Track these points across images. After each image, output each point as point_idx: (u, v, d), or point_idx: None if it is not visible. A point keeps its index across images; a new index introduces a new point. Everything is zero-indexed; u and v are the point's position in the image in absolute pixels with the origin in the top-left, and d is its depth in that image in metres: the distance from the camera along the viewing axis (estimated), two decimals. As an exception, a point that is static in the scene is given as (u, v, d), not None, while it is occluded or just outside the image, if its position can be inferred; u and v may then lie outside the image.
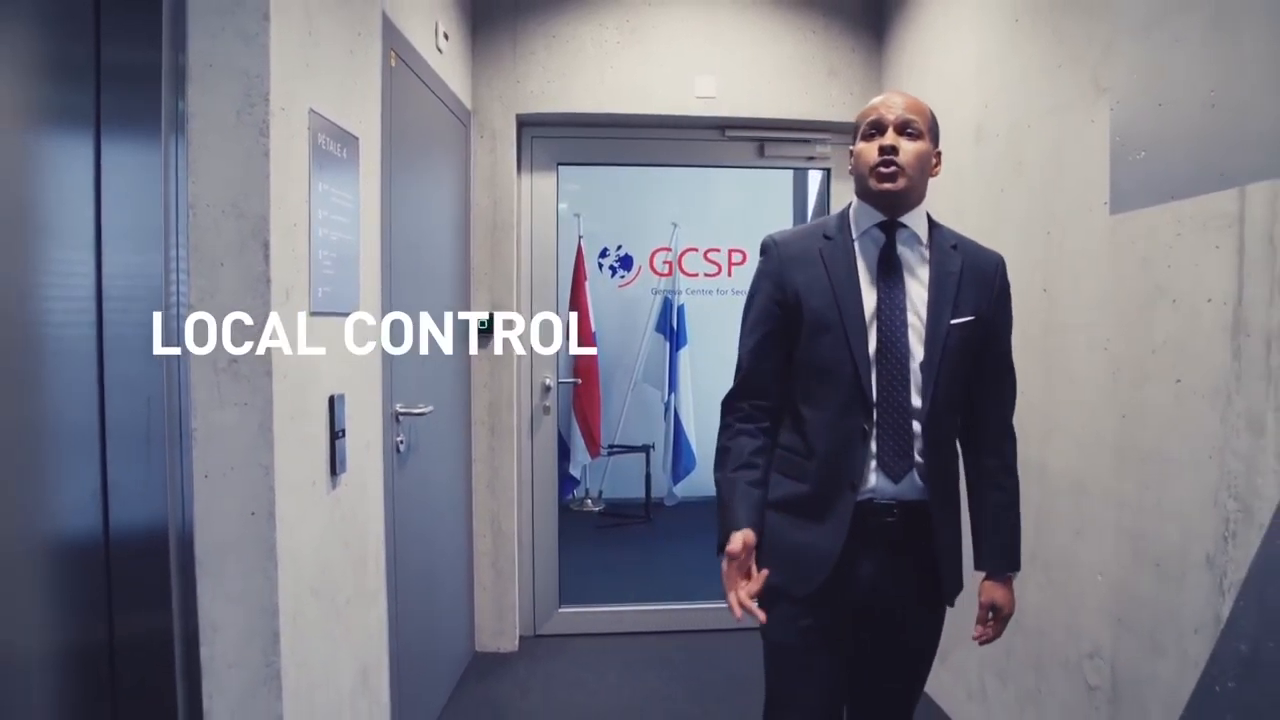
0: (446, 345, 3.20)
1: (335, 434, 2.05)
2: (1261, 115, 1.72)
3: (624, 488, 6.15)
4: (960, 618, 2.05)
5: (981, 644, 1.89)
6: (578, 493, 6.07)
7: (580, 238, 5.79)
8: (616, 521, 5.92)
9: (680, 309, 6.00)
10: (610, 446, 6.05)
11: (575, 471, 5.82)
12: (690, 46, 3.65)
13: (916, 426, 1.72)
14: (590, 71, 3.61)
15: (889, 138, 1.71)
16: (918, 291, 1.75)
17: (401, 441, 2.60)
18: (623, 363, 6.21)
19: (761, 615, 1.67)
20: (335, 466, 2.05)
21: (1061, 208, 2.44)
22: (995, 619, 1.86)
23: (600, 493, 6.05)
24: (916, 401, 1.72)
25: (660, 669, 3.54)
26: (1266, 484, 1.71)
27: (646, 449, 6.08)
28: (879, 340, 1.72)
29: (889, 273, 1.75)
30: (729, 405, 1.86)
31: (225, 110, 1.72)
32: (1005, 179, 2.76)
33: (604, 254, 6.01)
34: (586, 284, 5.69)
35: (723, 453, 1.83)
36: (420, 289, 2.84)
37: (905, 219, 1.78)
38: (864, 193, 1.78)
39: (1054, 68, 2.47)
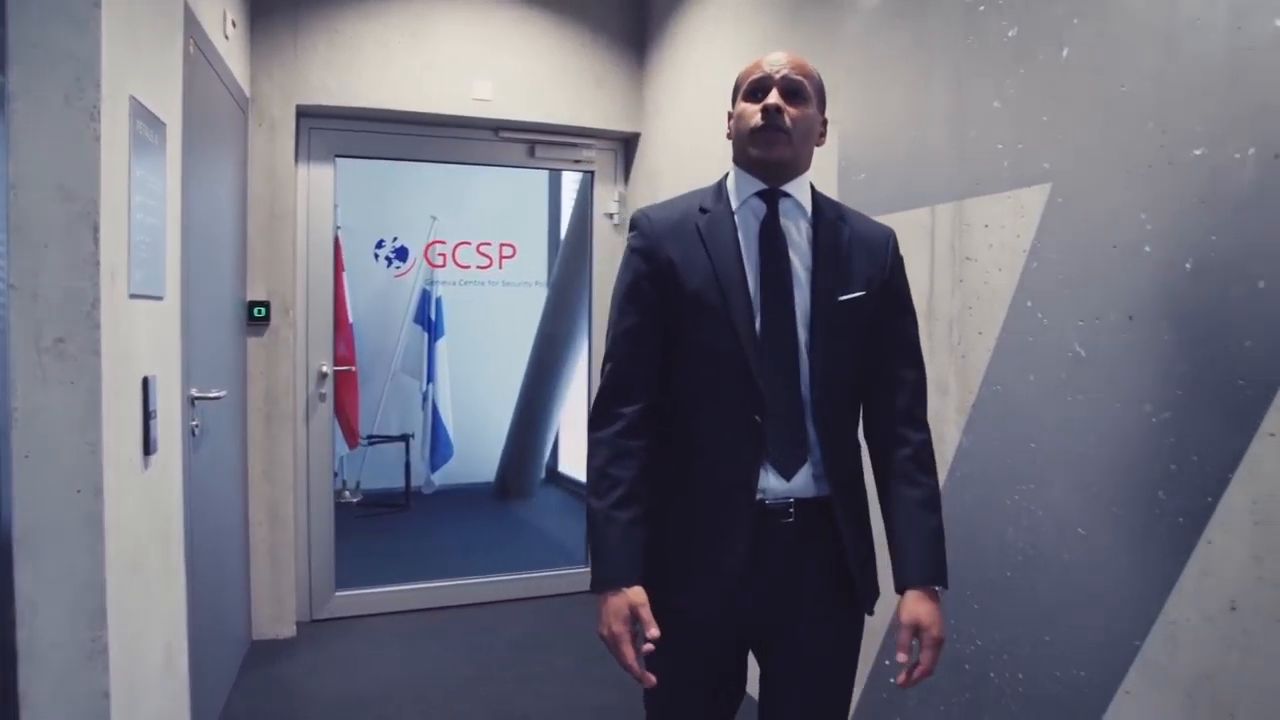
0: (228, 332, 3.22)
1: (149, 414, 2.11)
2: (943, 155, 2.27)
3: (382, 478, 6.21)
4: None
5: (908, 683, 1.50)
6: (334, 484, 6.05)
7: (338, 228, 5.78)
8: (377, 511, 5.99)
9: (438, 301, 6.16)
10: (369, 437, 6.09)
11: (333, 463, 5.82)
12: (469, 51, 3.87)
13: (809, 415, 1.54)
14: (372, 68, 3.74)
15: (773, 98, 1.53)
16: (802, 266, 1.56)
17: (196, 425, 2.65)
18: (384, 353, 6.27)
19: (651, 679, 1.47)
20: (148, 446, 2.11)
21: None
22: (922, 646, 1.50)
23: (358, 483, 6.08)
24: (807, 388, 1.54)
25: (439, 641, 3.75)
26: (950, 431, 2.26)
27: (406, 438, 6.19)
28: (764, 321, 1.52)
29: (772, 246, 1.56)
30: (602, 413, 1.56)
31: (52, 93, 1.76)
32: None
33: (380, 245, 6.04)
34: (344, 275, 5.70)
35: (599, 479, 1.52)
36: (208, 275, 2.87)
37: (788, 188, 1.59)
38: (743, 159, 1.59)
39: (789, 98, 2.97)
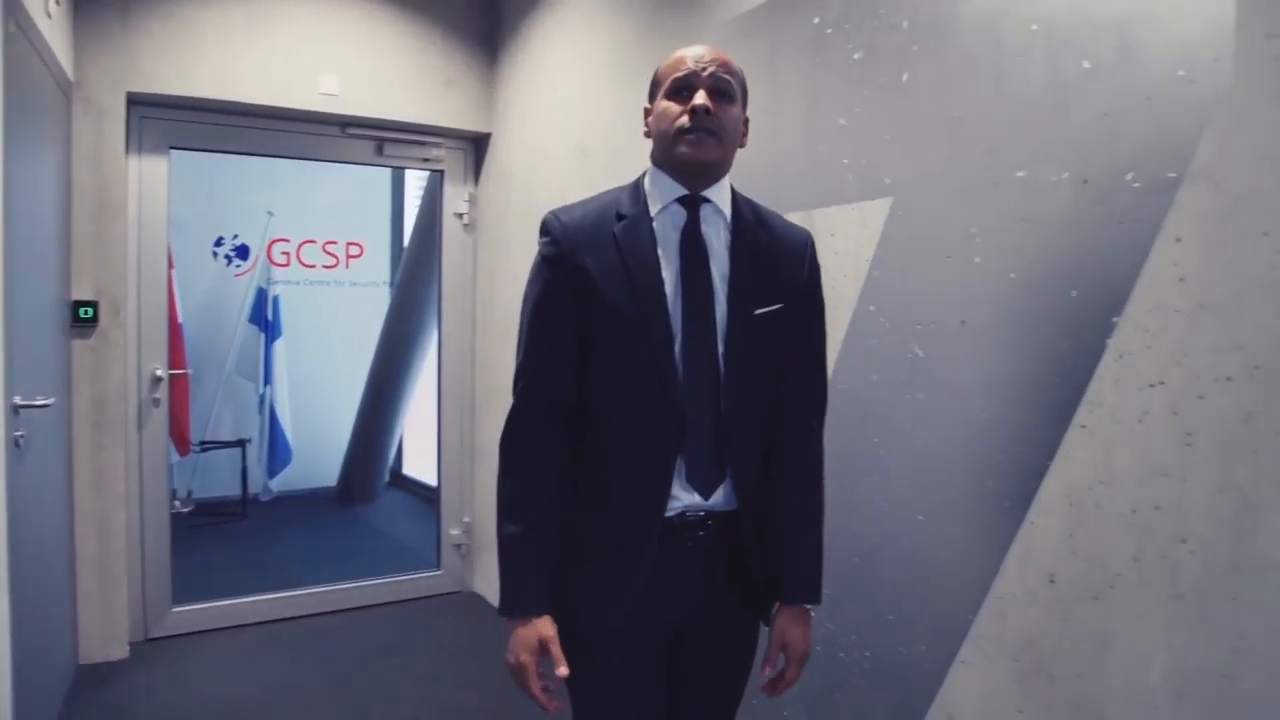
0: (51, 334, 3.01)
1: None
2: (795, 167, 2.41)
3: (216, 486, 5.92)
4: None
5: (774, 694, 1.60)
6: (163, 494, 5.72)
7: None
8: (211, 521, 5.70)
9: (275, 299, 5.92)
10: (202, 443, 5.79)
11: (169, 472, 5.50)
12: (317, 44, 3.76)
13: (726, 431, 1.49)
14: (213, 57, 3.56)
15: (701, 99, 1.45)
16: (720, 277, 1.50)
17: (21, 436, 2.47)
18: (216, 355, 5.96)
19: (551, 706, 1.50)
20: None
21: (652, 220, 3.04)
22: (790, 661, 1.58)
23: (190, 492, 5.77)
24: (724, 403, 1.48)
25: (289, 652, 3.63)
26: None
27: (242, 444, 5.92)
28: (684, 336, 1.46)
29: (693, 256, 1.49)
30: (515, 432, 1.50)
31: None
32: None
33: (219, 242, 5.73)
34: (173, 272, 5.39)
35: (512, 502, 1.48)
36: (29, 272, 2.68)
37: (709, 192, 1.52)
38: (665, 160, 1.51)
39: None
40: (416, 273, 5.76)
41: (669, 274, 1.47)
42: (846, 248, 2.25)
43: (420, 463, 6.43)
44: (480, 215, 4.35)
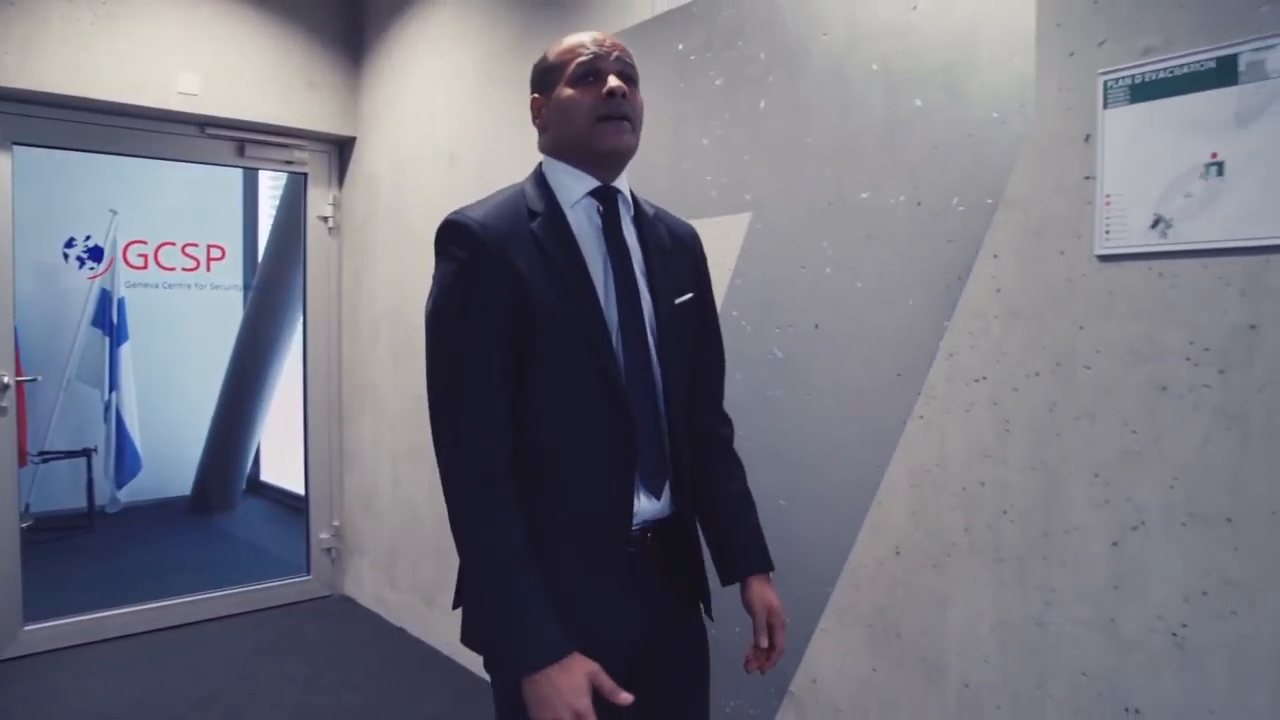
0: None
1: None
2: (661, 182, 2.58)
3: (56, 498, 5.61)
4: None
5: (766, 667, 1.57)
6: None
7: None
8: (54, 534, 5.41)
9: (121, 302, 5.66)
10: (41, 453, 5.48)
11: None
12: (174, 41, 3.65)
13: (665, 429, 1.45)
14: (60, 49, 3.41)
15: (615, 82, 1.36)
16: (639, 270, 1.44)
17: None
18: (55, 361, 5.64)
19: None
20: None
21: (524, 227, 3.15)
22: (775, 627, 1.56)
23: (27, 506, 5.45)
24: (662, 401, 1.44)
25: (157, 666, 3.55)
26: (670, 424, 2.59)
27: (87, 453, 5.63)
28: (621, 334, 1.38)
29: (618, 251, 1.42)
30: (462, 458, 1.31)
31: None
32: (475, 199, 3.39)
33: (70, 244, 5.40)
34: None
35: (484, 537, 1.30)
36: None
37: (618, 183, 1.45)
38: (576, 151, 1.41)
39: (521, 119, 3.16)
40: (275, 276, 5.63)
41: (595, 272, 1.38)
42: (710, 257, 2.40)
43: (280, 469, 6.29)
44: (345, 219, 4.34)
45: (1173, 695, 1.56)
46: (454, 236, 1.35)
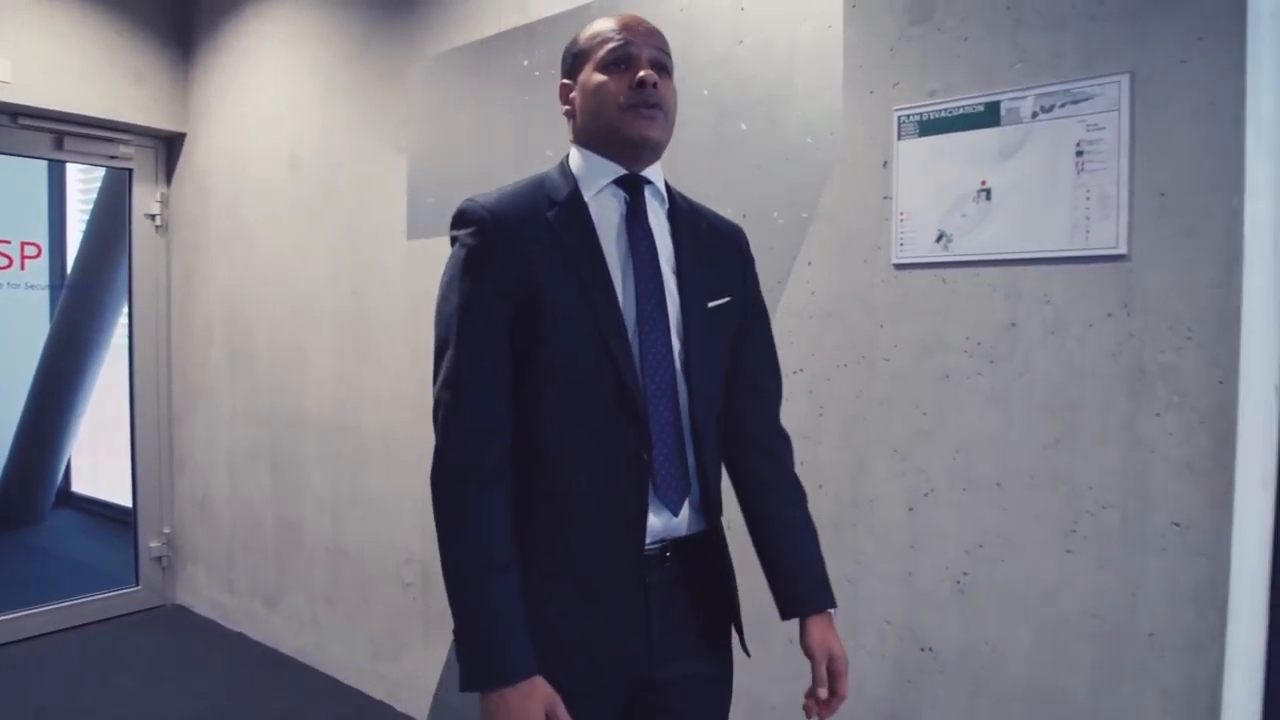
0: None
1: None
2: (508, 186, 2.71)
3: None
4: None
5: (825, 718, 1.37)
6: None
7: None
8: None
9: (-93, 303, 5.20)
10: None
11: None
12: (-17, 27, 3.44)
13: (689, 441, 1.32)
14: None
15: (647, 71, 1.29)
16: (668, 268, 1.34)
17: None
18: None
19: None
20: None
21: (369, 231, 3.20)
22: (838, 674, 1.36)
23: None
24: (685, 410, 1.32)
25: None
26: (518, 418, 2.72)
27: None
28: (639, 334, 1.28)
29: (640, 243, 1.32)
30: (453, 463, 1.23)
31: None
32: (318, 202, 3.41)
33: None
34: None
35: (465, 548, 1.21)
36: None
37: (649, 173, 1.35)
38: (604, 139, 1.32)
39: (363, 123, 3.21)
40: (91, 276, 5.32)
41: (615, 265, 1.29)
42: (557, 261, 2.60)
43: (94, 479, 5.93)
44: (174, 217, 4.20)
45: (958, 633, 1.85)
46: (460, 223, 1.29)
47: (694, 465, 1.32)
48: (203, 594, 4.14)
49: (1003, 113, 1.73)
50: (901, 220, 1.88)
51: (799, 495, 1.47)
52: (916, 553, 1.90)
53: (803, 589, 1.41)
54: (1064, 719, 1.72)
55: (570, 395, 1.25)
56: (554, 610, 1.24)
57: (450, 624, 2.36)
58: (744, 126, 2.15)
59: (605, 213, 1.31)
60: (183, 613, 4.20)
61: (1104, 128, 1.61)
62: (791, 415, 2.08)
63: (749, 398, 1.45)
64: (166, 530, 4.28)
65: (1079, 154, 1.64)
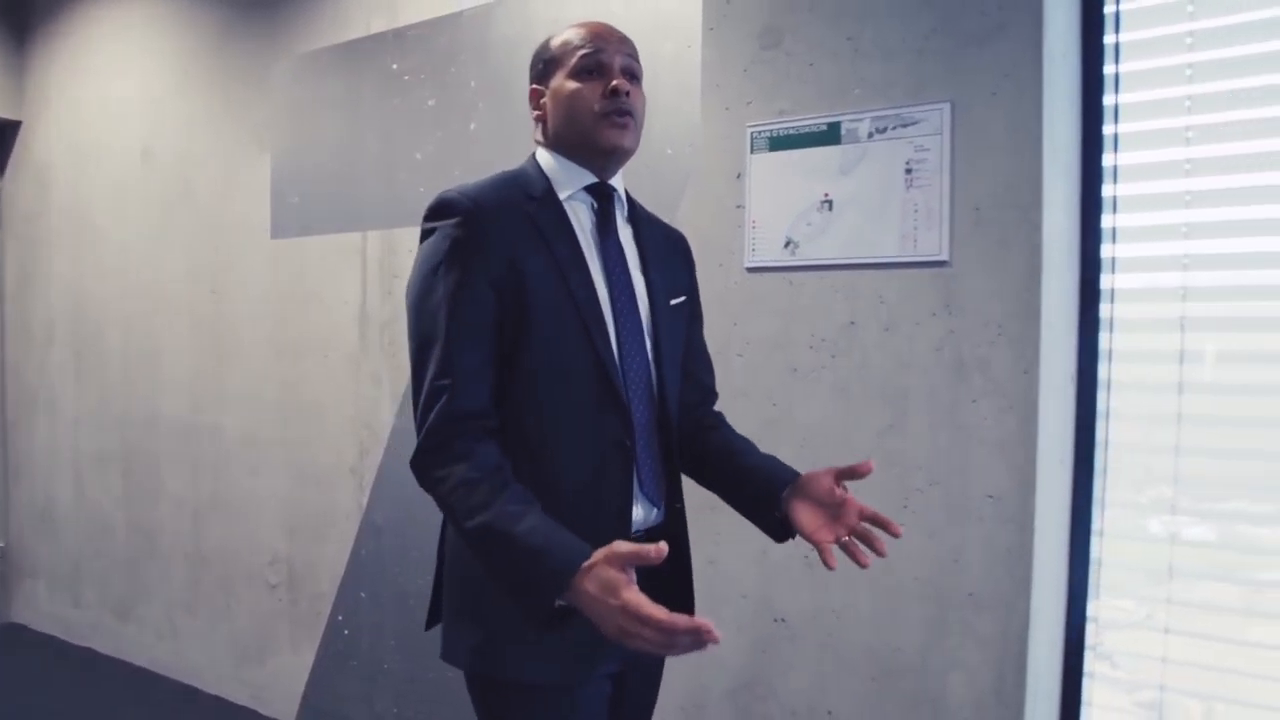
0: None
1: None
2: (374, 191, 2.72)
3: None
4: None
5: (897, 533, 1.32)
6: None
7: None
8: None
9: None
10: None
11: None
12: None
13: (671, 433, 1.37)
14: None
15: (620, 80, 1.30)
16: (635, 269, 1.38)
17: None
18: None
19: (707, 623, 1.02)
20: None
21: (230, 228, 3.13)
22: (878, 519, 1.35)
23: None
24: (665, 402, 1.36)
25: None
26: (385, 415, 2.73)
27: None
28: (619, 334, 1.31)
29: (611, 248, 1.35)
30: (442, 451, 1.18)
31: None
32: (173, 198, 3.30)
33: None
34: None
35: (473, 489, 1.15)
36: None
37: (614, 181, 1.39)
38: (576, 145, 1.33)
39: (224, 119, 3.13)
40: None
41: (593, 266, 1.31)
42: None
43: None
44: (9, 210, 3.95)
45: (807, 604, 2.01)
46: (444, 212, 1.27)
47: (663, 454, 1.36)
48: (43, 610, 3.91)
49: (843, 132, 1.90)
50: (753, 227, 2.03)
51: (740, 436, 1.51)
52: (769, 532, 2.06)
53: (783, 471, 1.41)
54: (899, 672, 1.90)
55: (555, 387, 1.26)
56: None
57: (321, 626, 2.37)
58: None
59: (577, 215, 1.34)
60: (19, 631, 3.95)
61: (929, 149, 1.80)
62: (655, 408, 2.20)
63: (695, 394, 1.50)
64: (1, 544, 4.01)
65: (908, 171, 1.83)
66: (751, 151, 2.02)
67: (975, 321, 1.79)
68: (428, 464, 1.19)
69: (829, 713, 1.98)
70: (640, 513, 1.32)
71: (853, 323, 1.92)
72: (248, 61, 3.06)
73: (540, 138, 1.39)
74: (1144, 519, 1.84)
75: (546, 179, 1.34)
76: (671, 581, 1.35)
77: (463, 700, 2.67)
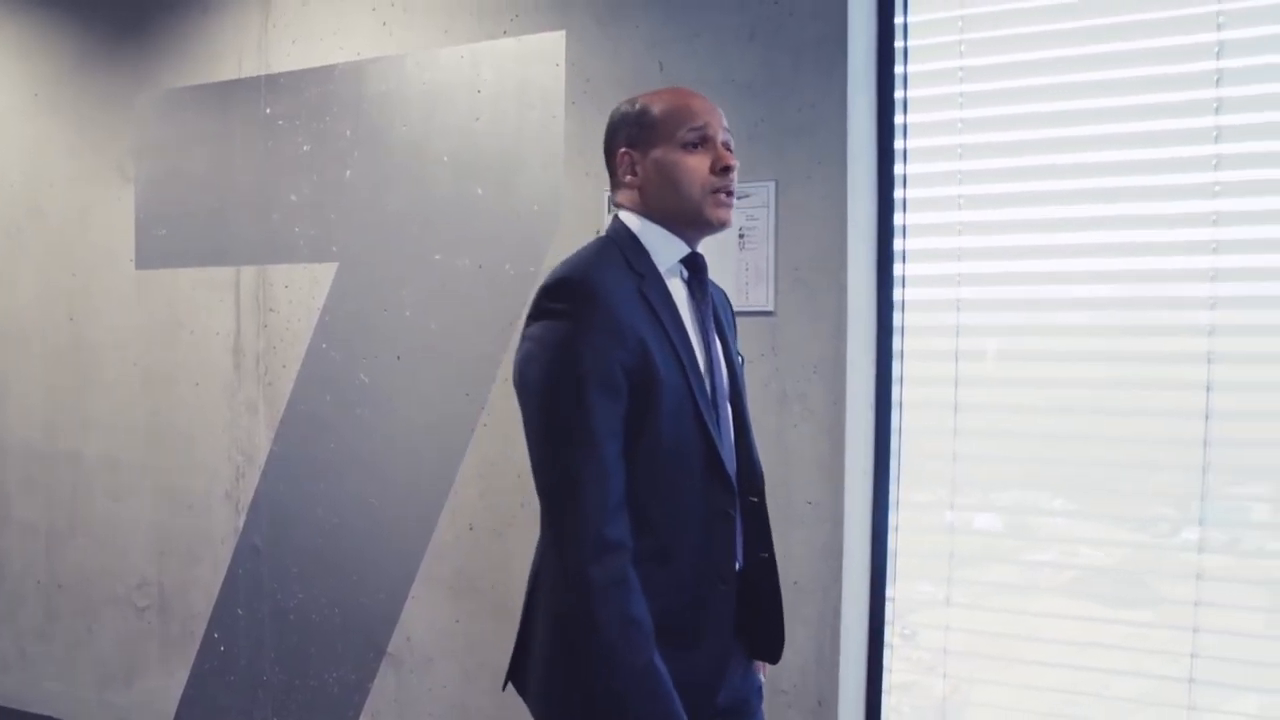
0: None
1: None
2: (248, 229, 2.81)
3: None
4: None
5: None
6: None
7: None
8: None
9: None
10: None
11: None
12: None
13: (758, 489, 1.42)
14: None
15: (726, 156, 1.31)
16: (714, 334, 1.40)
17: None
18: None
19: None
20: None
21: (87, 256, 3.10)
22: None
23: None
24: (750, 464, 1.41)
25: None
26: (261, 442, 2.83)
27: None
28: (716, 402, 1.34)
29: (705, 320, 1.37)
30: (595, 541, 1.20)
31: None
32: (23, 224, 3.22)
33: None
34: None
35: (625, 627, 1.19)
36: None
37: (701, 249, 1.39)
38: (684, 218, 1.32)
39: (80, 145, 3.10)
40: None
41: (694, 338, 1.34)
42: (300, 297, 2.75)
43: None
44: None
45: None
46: (565, 296, 1.23)
47: (750, 510, 1.40)
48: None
49: (687, 200, 2.21)
50: (613, 277, 2.30)
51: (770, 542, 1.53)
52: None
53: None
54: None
55: (674, 466, 1.27)
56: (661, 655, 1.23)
57: (195, 645, 2.53)
58: (480, 191, 2.47)
59: (676, 287, 1.35)
60: None
61: (758, 219, 2.14)
62: (515, 423, 2.43)
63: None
64: None
65: (741, 236, 2.16)
66: (608, 211, 2.29)
67: (796, 361, 2.14)
68: (584, 559, 1.19)
69: (680, 691, 2.29)
70: (738, 565, 1.37)
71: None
72: (108, 91, 3.05)
73: (626, 200, 1.37)
74: (934, 515, 2.25)
75: (644, 249, 1.33)
76: (764, 614, 1.42)
77: (339, 706, 2.84)
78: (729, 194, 1.32)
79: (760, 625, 1.42)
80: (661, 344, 1.25)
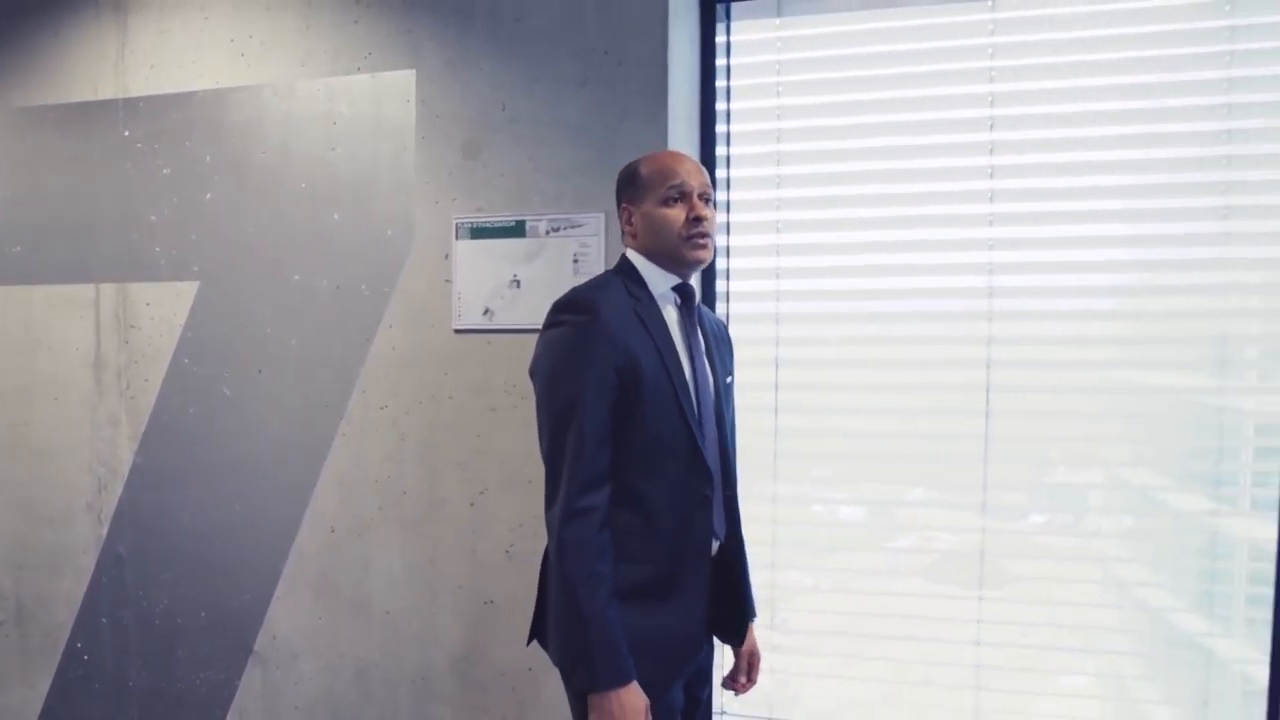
0: None
1: None
2: (108, 247, 2.85)
3: None
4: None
5: (740, 694, 1.92)
6: None
7: None
8: None
9: None
10: None
11: None
12: None
13: (731, 484, 1.77)
14: None
15: (702, 209, 1.64)
16: (701, 353, 1.72)
17: None
18: None
19: None
20: None
21: (-62, 274, 3.07)
22: (755, 668, 1.90)
23: None
24: (727, 464, 1.75)
25: None
26: (124, 453, 2.88)
27: None
28: (699, 406, 1.66)
29: (693, 338, 1.70)
30: (571, 507, 1.53)
31: None
32: None
33: None
34: None
35: (585, 578, 1.51)
36: None
37: (692, 281, 1.73)
38: (666, 256, 1.66)
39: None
40: None
41: (682, 353, 1.66)
42: (162, 314, 2.82)
43: None
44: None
45: (511, 588, 2.51)
46: (574, 309, 1.59)
47: (726, 498, 1.75)
48: None
49: (527, 229, 2.42)
50: (459, 298, 2.49)
51: (739, 533, 1.83)
52: (478, 534, 2.53)
53: (746, 605, 1.85)
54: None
55: (659, 455, 1.60)
56: (635, 614, 1.57)
57: (57, 655, 2.60)
58: (337, 217, 2.61)
59: (665, 309, 1.68)
60: None
61: (590, 246, 2.37)
62: (381, 441, 2.60)
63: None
64: None
65: (575, 261, 2.39)
66: (456, 238, 2.48)
67: (624, 372, 2.38)
68: (561, 521, 1.53)
69: (529, 669, 2.50)
70: (715, 544, 1.71)
71: (532, 374, 2.44)
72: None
73: (629, 242, 1.72)
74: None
75: (642, 279, 1.67)
76: (730, 587, 1.79)
77: (207, 705, 2.92)
78: (704, 237, 1.64)
79: (726, 603, 1.78)
80: (649, 352, 1.58)
